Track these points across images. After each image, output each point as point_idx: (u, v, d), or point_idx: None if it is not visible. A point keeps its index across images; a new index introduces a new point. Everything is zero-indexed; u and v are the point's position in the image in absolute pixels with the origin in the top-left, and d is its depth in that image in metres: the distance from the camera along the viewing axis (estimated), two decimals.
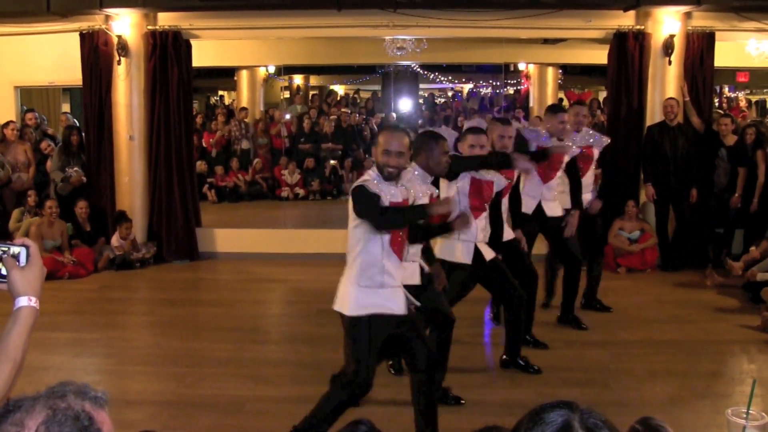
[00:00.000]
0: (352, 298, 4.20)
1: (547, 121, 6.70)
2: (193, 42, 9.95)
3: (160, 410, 5.20)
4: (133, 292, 8.75)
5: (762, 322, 6.92)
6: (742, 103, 17.66)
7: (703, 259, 9.26)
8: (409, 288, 4.51)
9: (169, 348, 6.53)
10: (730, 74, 16.65)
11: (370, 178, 4.23)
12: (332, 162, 14.55)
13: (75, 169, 9.99)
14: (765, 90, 20.15)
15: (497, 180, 5.44)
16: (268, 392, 5.53)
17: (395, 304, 4.25)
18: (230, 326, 7.09)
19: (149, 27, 9.66)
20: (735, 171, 9.19)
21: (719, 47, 9.74)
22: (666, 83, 9.58)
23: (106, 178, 9.87)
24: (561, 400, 1.53)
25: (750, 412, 2.78)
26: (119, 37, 9.53)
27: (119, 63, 9.62)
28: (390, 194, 4.20)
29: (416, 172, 4.71)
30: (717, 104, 16.22)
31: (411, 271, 4.78)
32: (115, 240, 9.53)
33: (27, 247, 2.03)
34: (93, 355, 6.44)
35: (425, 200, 4.49)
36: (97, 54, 9.61)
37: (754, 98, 19.56)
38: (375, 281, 4.20)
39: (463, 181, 5.35)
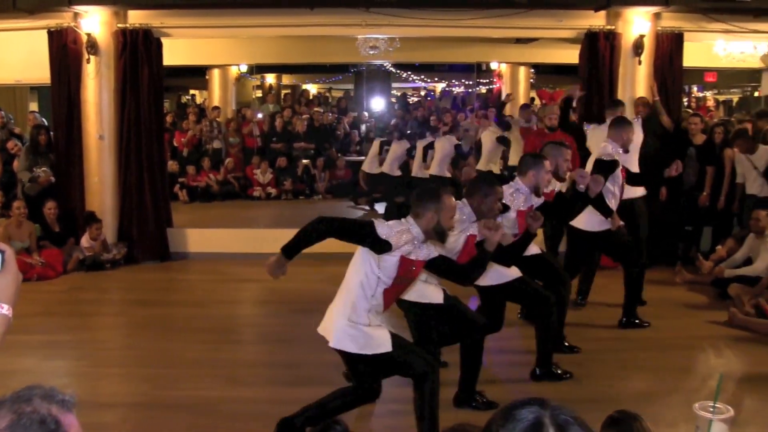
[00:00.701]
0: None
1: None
2: (164, 40, 9.88)
3: (133, 412, 5.18)
4: (104, 294, 8.69)
5: (729, 317, 7.05)
6: (710, 103, 17.89)
7: (673, 256, 9.38)
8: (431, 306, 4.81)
9: (142, 349, 6.50)
10: (698, 74, 16.88)
11: (413, 236, 4.11)
12: (305, 161, 14.55)
13: (43, 169, 9.89)
14: (732, 90, 20.43)
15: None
16: (242, 393, 5.51)
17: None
18: (203, 327, 7.06)
19: (119, 25, 9.58)
20: (704, 170, 9.31)
21: (688, 48, 9.88)
22: (636, 83, 9.70)
23: (75, 178, 9.78)
24: (532, 397, 1.55)
25: (716, 405, 2.84)
26: (88, 35, 9.45)
27: (88, 61, 9.53)
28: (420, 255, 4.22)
29: (465, 209, 4.81)
30: (686, 104, 16.42)
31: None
32: (85, 241, 9.45)
33: (2, 252, 1.91)
34: (64, 358, 6.38)
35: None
36: (65, 52, 9.52)
37: (721, 98, 19.82)
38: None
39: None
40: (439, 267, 4.36)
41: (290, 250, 4.24)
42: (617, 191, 6.78)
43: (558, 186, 6.39)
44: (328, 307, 4.35)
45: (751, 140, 8.86)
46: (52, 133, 10.15)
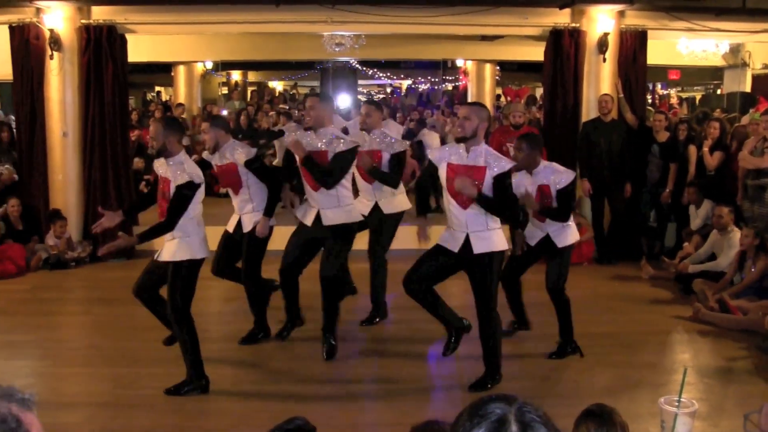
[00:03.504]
0: None
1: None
2: (128, 37, 9.75)
3: (96, 412, 5.10)
4: (68, 292, 8.56)
5: (693, 312, 7.12)
6: (674, 100, 18.11)
7: (637, 252, 9.46)
8: None
9: (105, 348, 6.40)
10: (662, 72, 17.09)
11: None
12: (273, 159, 14.44)
13: (6, 166, 9.72)
14: (695, 87, 20.69)
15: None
16: (211, 395, 5.44)
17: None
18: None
19: (83, 21, 9.45)
20: (667, 166, 9.40)
21: (652, 45, 9.98)
22: (600, 80, 9.77)
23: (38, 175, 9.62)
24: (501, 394, 1.55)
25: (681, 400, 2.85)
26: (51, 30, 9.29)
27: (51, 57, 9.39)
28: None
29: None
30: (650, 101, 16.60)
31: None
32: (49, 239, 9.31)
33: None
34: (26, 358, 6.27)
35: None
36: (27, 48, 9.36)
37: (684, 95, 20.08)
38: None
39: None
40: None
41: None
42: None
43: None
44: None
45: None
46: (14, 130, 9.99)
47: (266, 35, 13.03)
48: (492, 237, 5.25)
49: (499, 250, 5.27)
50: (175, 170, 5.20)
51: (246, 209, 6.32)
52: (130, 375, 5.76)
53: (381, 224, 6.79)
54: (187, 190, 5.15)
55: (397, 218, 6.87)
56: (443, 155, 5.37)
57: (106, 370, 5.90)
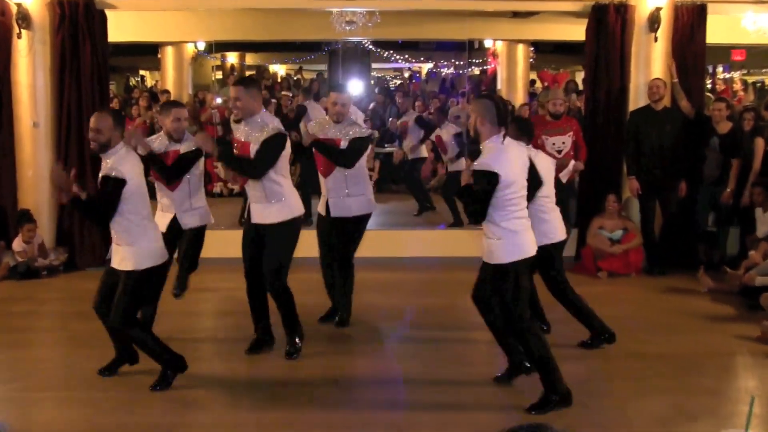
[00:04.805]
0: None
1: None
2: (108, 13, 9.79)
3: None
4: (40, 305, 8.59)
5: (762, 332, 7.05)
6: (738, 86, 17.98)
7: (694, 261, 9.40)
8: None
9: (83, 369, 6.40)
10: (724, 52, 16.97)
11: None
12: None
13: None
14: (764, 70, 20.53)
15: None
16: (199, 418, 5.48)
17: None
18: None
19: None
20: (728, 162, 9.34)
21: (712, 21, 9.90)
22: (651, 62, 9.72)
23: (5, 171, 9.68)
24: (533, 422, 1.55)
25: None
26: (19, 5, 9.35)
27: (20, 36, 9.44)
28: None
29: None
30: (709, 86, 16.51)
31: None
32: (17, 244, 9.34)
33: None
34: None
35: None
36: None
37: (750, 79, 19.93)
38: None
39: None
40: None
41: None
42: None
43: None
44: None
45: None
46: None
47: (266, 12, 13.05)
48: None
49: None
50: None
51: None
52: (111, 400, 5.76)
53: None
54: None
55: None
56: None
57: (84, 394, 5.91)
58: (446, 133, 12.14)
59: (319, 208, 7.47)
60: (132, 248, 5.65)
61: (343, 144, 7.11)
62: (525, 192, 5.53)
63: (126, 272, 5.67)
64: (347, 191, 7.23)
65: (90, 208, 5.70)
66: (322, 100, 16.95)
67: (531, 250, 5.52)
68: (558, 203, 6.82)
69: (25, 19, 9.38)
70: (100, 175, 5.65)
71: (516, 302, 5.45)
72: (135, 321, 5.78)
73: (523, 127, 6.33)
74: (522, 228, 5.47)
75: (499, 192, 5.30)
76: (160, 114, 7.04)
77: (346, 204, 7.24)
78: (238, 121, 6.48)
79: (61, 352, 7.14)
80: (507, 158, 5.35)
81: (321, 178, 7.35)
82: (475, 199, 5.39)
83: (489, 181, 5.24)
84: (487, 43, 17.66)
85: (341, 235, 7.33)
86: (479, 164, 5.35)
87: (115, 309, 5.65)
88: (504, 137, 5.40)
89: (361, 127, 7.31)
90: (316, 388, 5.97)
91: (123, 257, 5.70)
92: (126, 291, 5.65)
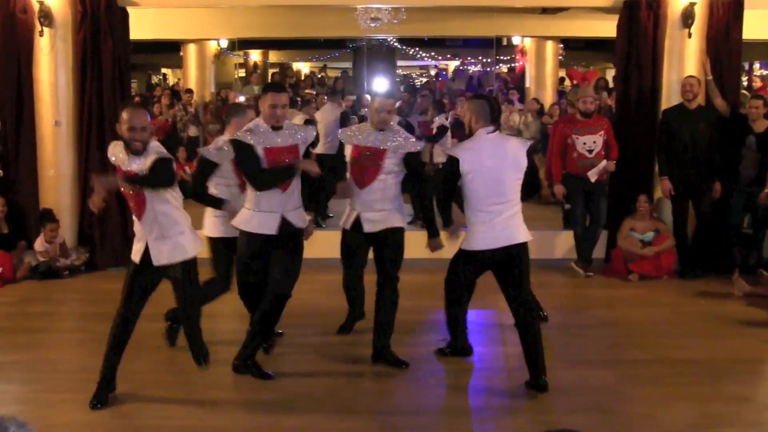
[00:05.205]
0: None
1: None
2: (130, 10, 9.83)
3: None
4: (60, 306, 8.65)
5: None
6: None
7: (728, 263, 9.32)
8: None
9: None
10: (761, 48, 16.80)
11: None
12: None
13: None
14: None
15: None
16: (220, 422, 5.48)
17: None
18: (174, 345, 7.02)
19: None
20: (765, 162, 9.25)
21: (749, 16, 9.78)
22: (685, 59, 9.62)
23: (27, 170, 9.74)
24: (563, 429, 1.53)
25: None
26: (41, 3, 9.40)
27: (41, 34, 9.50)
28: None
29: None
30: (745, 83, 16.36)
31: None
32: (38, 244, 9.40)
33: None
34: (10, 382, 6.35)
35: None
36: (13, 23, 9.48)
37: None
38: None
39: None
40: None
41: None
42: None
43: None
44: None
45: None
46: None
47: (290, 8, 13.08)
48: None
49: None
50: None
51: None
52: (131, 402, 5.78)
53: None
54: None
55: None
56: None
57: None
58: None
59: (347, 223, 6.73)
60: (183, 236, 5.94)
61: (390, 155, 6.38)
62: (499, 186, 5.87)
63: (184, 262, 5.90)
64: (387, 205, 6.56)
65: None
66: (346, 98, 17.06)
67: (477, 245, 5.94)
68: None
69: (46, 16, 9.43)
70: (139, 169, 5.63)
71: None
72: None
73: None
74: (478, 221, 5.95)
75: (463, 179, 5.90)
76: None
77: (390, 217, 6.54)
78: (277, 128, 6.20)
79: (80, 353, 7.16)
80: (473, 148, 5.93)
81: (355, 190, 6.60)
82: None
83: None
84: (515, 40, 17.63)
85: (390, 249, 6.55)
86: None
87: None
88: (492, 132, 5.96)
89: (408, 138, 6.57)
90: (334, 394, 5.96)
91: (174, 247, 5.88)
92: (191, 280, 6.01)
